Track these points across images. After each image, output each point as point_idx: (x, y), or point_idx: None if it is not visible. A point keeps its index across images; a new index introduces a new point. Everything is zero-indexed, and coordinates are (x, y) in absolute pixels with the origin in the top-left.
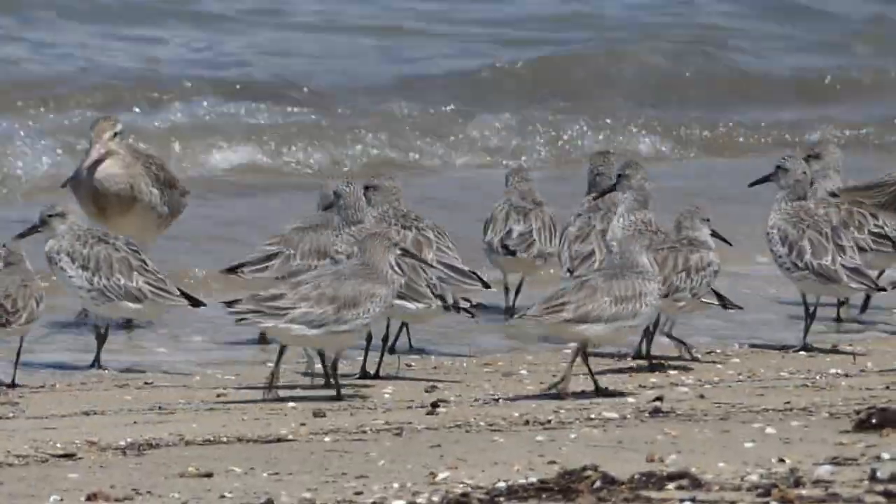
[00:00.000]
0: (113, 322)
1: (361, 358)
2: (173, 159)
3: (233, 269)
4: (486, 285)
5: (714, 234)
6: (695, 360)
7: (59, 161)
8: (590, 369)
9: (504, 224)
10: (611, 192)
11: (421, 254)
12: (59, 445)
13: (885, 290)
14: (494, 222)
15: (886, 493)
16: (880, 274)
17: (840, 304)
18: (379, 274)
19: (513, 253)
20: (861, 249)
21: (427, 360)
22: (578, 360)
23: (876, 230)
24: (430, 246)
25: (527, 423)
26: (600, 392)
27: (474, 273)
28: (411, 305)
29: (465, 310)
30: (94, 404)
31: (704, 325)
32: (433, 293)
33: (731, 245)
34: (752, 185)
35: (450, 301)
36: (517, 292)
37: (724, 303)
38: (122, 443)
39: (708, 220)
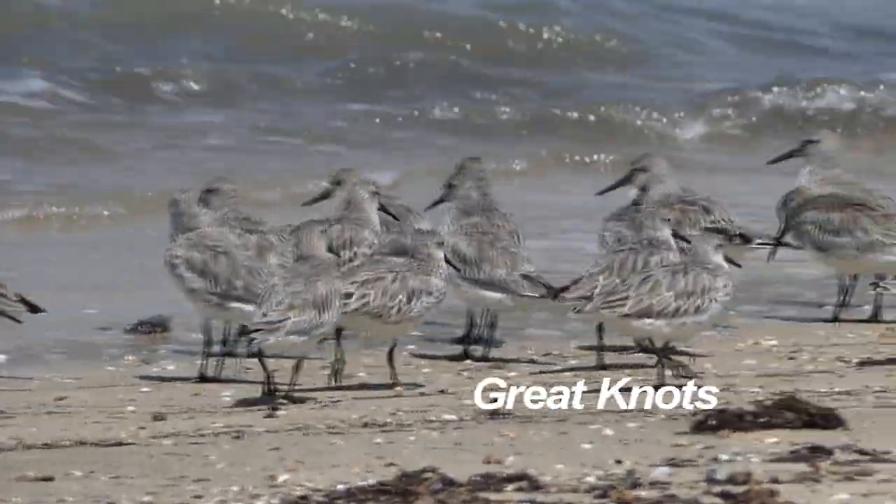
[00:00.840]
0: None
1: (202, 361)
2: None
3: None
4: None
5: (675, 235)
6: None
7: None
8: (662, 362)
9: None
10: (440, 203)
11: (263, 259)
12: None
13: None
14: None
15: (724, 495)
16: None
17: None
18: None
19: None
20: None
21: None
22: None
23: (711, 225)
24: (274, 250)
25: (366, 425)
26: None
27: None
28: (249, 307)
29: None
30: None
31: (539, 323)
32: None
33: (690, 244)
34: (600, 193)
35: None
36: None
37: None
38: None
39: (669, 221)
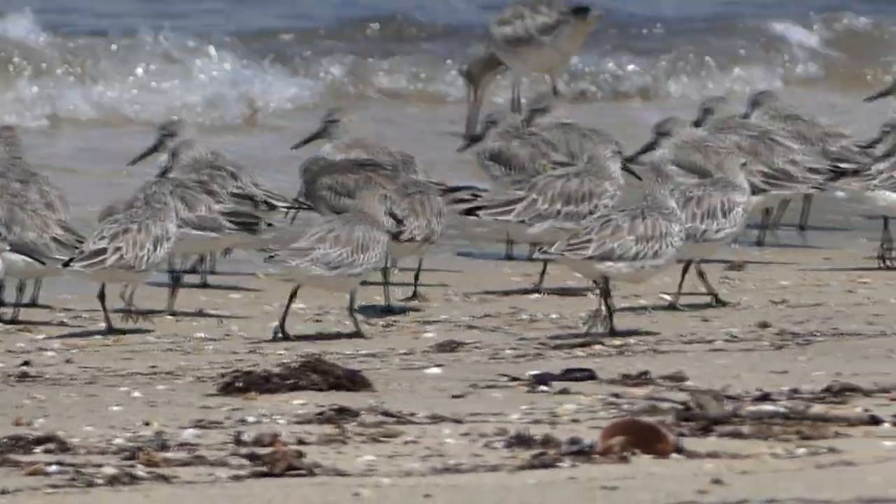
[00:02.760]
0: None
1: None
2: None
3: (470, 212)
4: None
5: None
6: None
7: None
8: (609, 307)
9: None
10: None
11: None
12: None
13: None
14: None
15: (251, 456)
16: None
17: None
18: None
19: None
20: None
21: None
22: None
23: (236, 190)
24: None
25: None
26: (614, 333)
27: None
28: None
29: None
30: None
31: (68, 287)
32: None
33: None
34: (132, 162)
35: None
36: None
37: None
38: None
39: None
